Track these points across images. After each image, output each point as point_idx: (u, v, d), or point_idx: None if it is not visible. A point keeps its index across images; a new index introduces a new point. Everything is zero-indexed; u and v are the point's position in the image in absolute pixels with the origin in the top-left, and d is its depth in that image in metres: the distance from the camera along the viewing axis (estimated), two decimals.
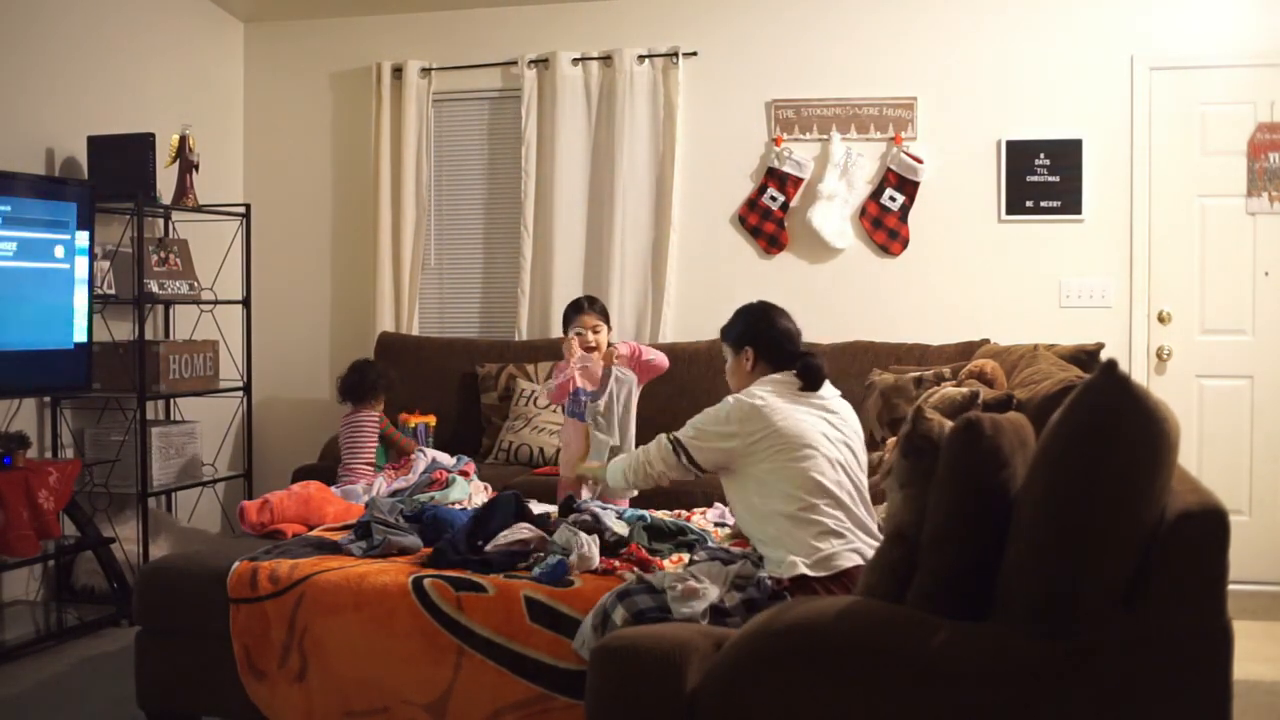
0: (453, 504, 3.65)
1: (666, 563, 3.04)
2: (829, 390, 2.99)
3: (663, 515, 3.49)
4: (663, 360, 4.01)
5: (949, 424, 2.12)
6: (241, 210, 5.23)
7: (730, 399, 2.94)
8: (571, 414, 3.86)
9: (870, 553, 2.67)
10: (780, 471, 2.81)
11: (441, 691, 2.86)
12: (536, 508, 3.55)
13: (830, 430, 2.89)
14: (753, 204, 5.26)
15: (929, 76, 5.12)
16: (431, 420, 4.82)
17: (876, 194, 5.15)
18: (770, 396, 2.89)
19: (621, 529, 3.22)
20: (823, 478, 2.79)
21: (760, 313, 3.10)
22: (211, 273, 5.19)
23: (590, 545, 3.05)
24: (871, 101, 5.16)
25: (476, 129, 5.61)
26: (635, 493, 3.62)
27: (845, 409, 3.02)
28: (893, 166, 5.12)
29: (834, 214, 5.14)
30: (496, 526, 3.18)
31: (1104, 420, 1.82)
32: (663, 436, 3.05)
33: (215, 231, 5.23)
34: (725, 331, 3.15)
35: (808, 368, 2.95)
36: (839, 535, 2.75)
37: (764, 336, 3.04)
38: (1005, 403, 2.97)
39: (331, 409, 5.60)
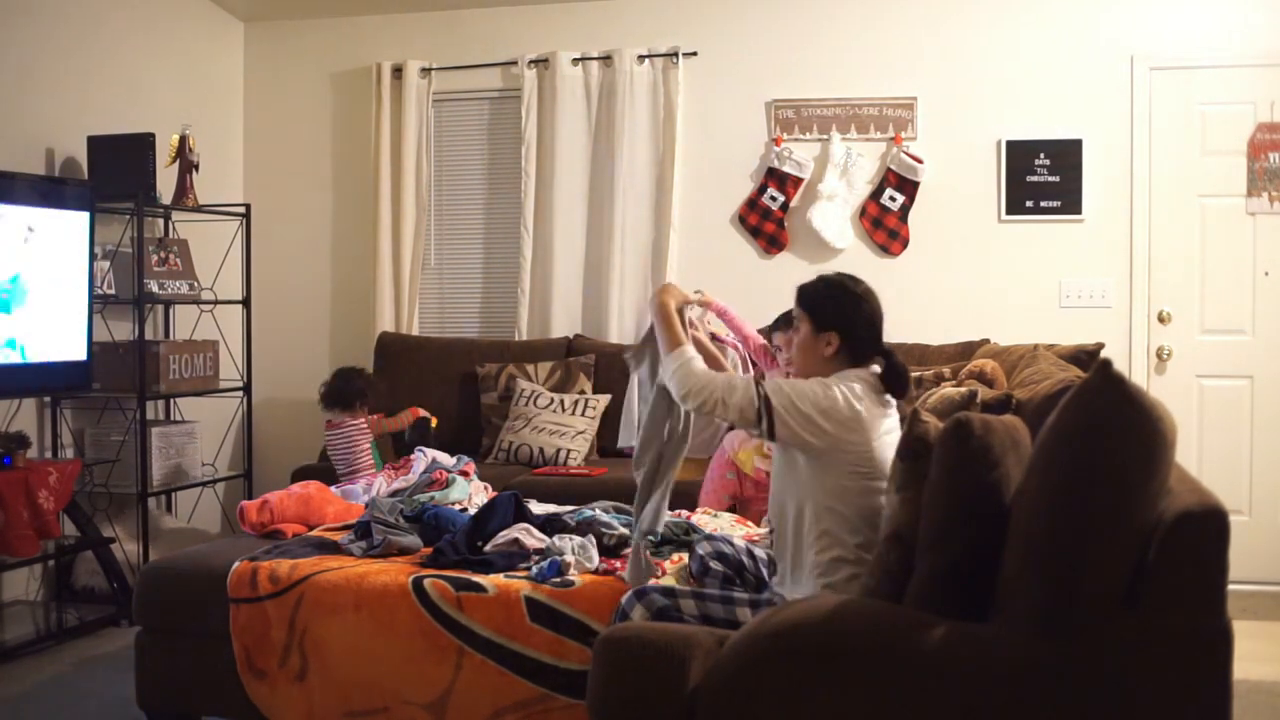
0: (453, 504, 3.65)
1: (667, 564, 3.04)
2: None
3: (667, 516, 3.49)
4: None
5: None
6: (241, 210, 5.23)
7: (838, 392, 2.47)
8: None
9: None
10: (858, 499, 2.46)
11: (442, 691, 2.86)
12: (537, 508, 3.55)
13: None
14: (753, 204, 5.26)
15: (929, 76, 5.12)
16: (432, 421, 4.78)
17: (876, 194, 5.15)
18: (873, 405, 2.49)
19: (622, 530, 3.22)
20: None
21: (853, 293, 2.63)
22: (211, 273, 5.19)
23: (588, 546, 3.06)
24: (871, 101, 5.16)
25: (476, 129, 5.61)
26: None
27: None
28: (893, 166, 5.12)
29: (834, 214, 5.14)
30: (495, 527, 3.18)
31: (1099, 420, 1.82)
32: (753, 383, 2.50)
33: (215, 231, 5.23)
34: (809, 303, 2.65)
35: (894, 372, 2.54)
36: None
37: (855, 324, 2.58)
38: (1005, 403, 2.97)
39: None
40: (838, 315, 2.59)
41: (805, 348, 2.63)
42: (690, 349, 2.62)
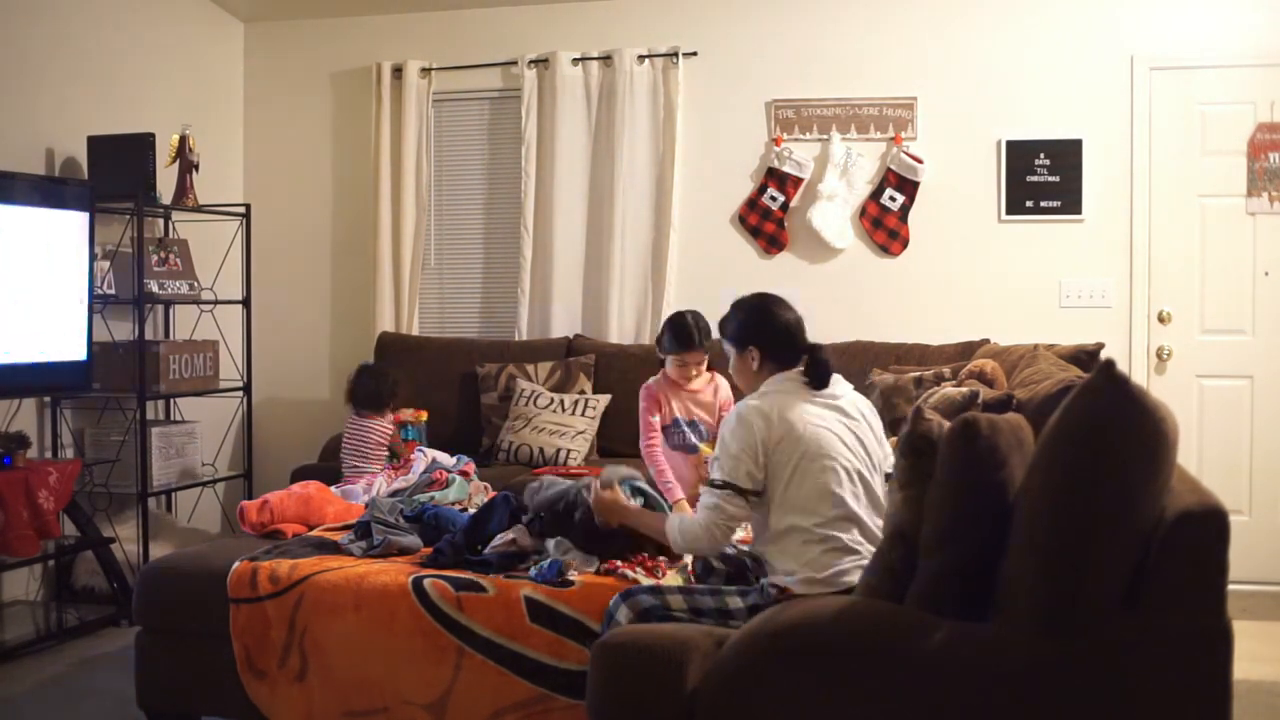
0: (453, 504, 3.65)
1: (666, 561, 3.04)
2: (843, 388, 2.76)
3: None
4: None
5: (948, 424, 2.12)
6: (241, 210, 5.22)
7: (741, 407, 2.68)
8: (676, 447, 3.83)
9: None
10: (800, 484, 2.58)
11: (441, 691, 2.86)
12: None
13: (848, 435, 2.65)
14: (753, 204, 5.26)
15: (929, 76, 5.11)
16: (423, 415, 4.77)
17: (876, 194, 5.14)
18: (784, 398, 2.66)
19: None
20: (841, 490, 2.57)
21: (760, 307, 2.87)
22: (211, 273, 5.19)
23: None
24: (871, 101, 5.16)
25: (476, 129, 5.61)
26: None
27: (863, 407, 2.77)
28: (893, 166, 5.12)
29: (834, 214, 5.14)
30: (494, 529, 3.18)
31: (1102, 420, 1.82)
32: (712, 493, 2.65)
33: (215, 231, 5.23)
34: (723, 328, 2.92)
35: (814, 363, 2.72)
36: (852, 551, 2.54)
37: (767, 333, 2.81)
38: (1005, 403, 2.97)
39: (331, 409, 5.61)
40: (749, 331, 2.84)
41: (738, 370, 2.88)
42: (671, 518, 2.80)
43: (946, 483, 2.04)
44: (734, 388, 3.28)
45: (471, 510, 3.51)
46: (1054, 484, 1.86)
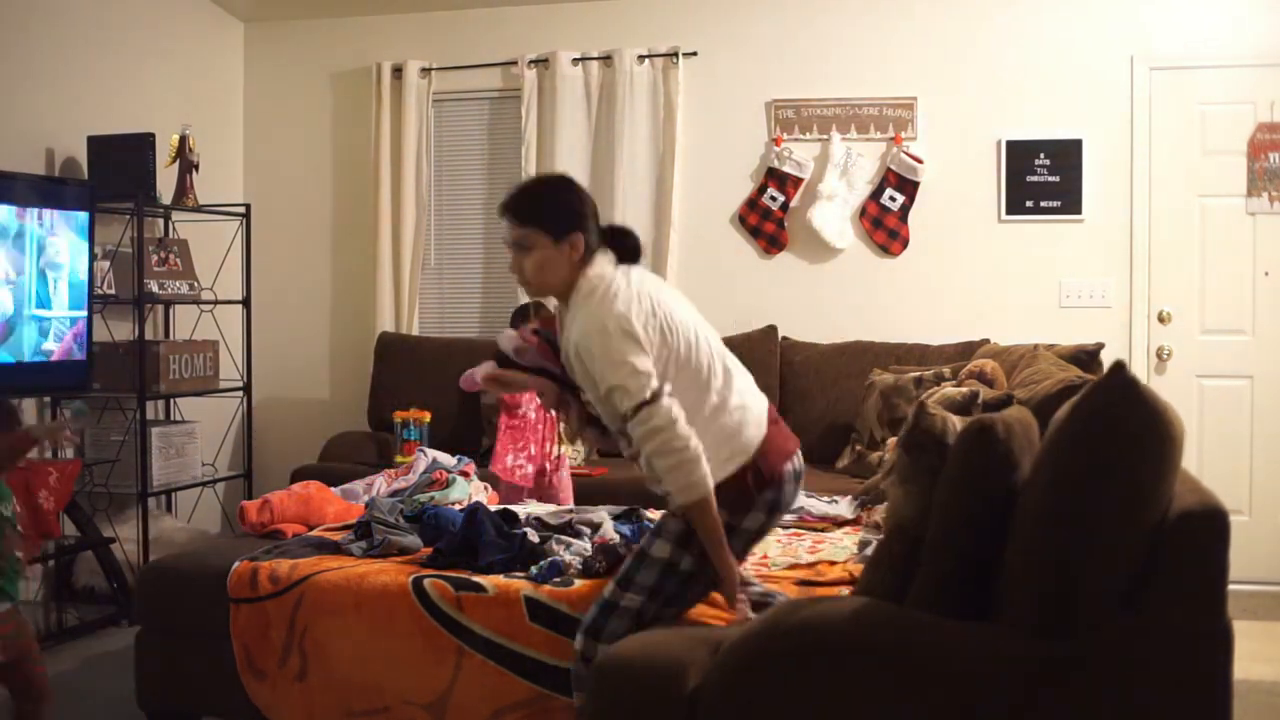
0: (453, 504, 3.64)
1: None
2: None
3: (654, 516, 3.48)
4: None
5: (953, 419, 2.12)
6: (241, 210, 5.22)
7: (607, 320, 2.40)
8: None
9: (763, 405, 2.57)
10: (689, 366, 2.47)
11: (441, 691, 2.86)
12: (538, 509, 3.55)
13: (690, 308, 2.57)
14: (753, 204, 5.26)
15: (929, 76, 5.12)
16: (425, 416, 4.81)
17: (876, 194, 5.14)
18: (638, 283, 2.49)
19: (619, 531, 3.21)
20: (724, 359, 2.53)
21: (571, 185, 2.60)
22: (211, 273, 5.18)
23: (587, 548, 3.06)
24: (871, 101, 5.16)
25: (476, 129, 5.61)
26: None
27: None
28: (893, 166, 5.12)
29: (834, 214, 5.14)
30: (486, 541, 3.14)
31: (1110, 421, 1.82)
32: (629, 416, 2.41)
33: (215, 231, 5.23)
34: (540, 217, 2.49)
35: (619, 235, 2.56)
36: (744, 406, 2.50)
37: (588, 216, 2.51)
38: (1005, 403, 2.97)
39: (330, 408, 5.62)
40: (571, 215, 2.50)
41: (549, 264, 2.49)
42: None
43: (958, 485, 2.02)
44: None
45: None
46: (1061, 483, 1.86)
